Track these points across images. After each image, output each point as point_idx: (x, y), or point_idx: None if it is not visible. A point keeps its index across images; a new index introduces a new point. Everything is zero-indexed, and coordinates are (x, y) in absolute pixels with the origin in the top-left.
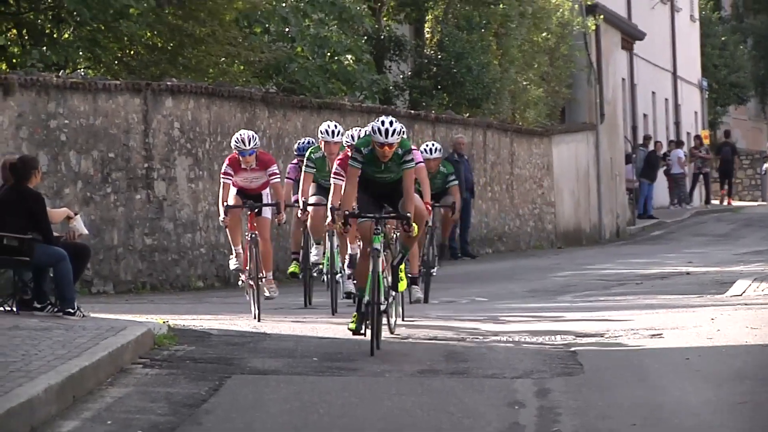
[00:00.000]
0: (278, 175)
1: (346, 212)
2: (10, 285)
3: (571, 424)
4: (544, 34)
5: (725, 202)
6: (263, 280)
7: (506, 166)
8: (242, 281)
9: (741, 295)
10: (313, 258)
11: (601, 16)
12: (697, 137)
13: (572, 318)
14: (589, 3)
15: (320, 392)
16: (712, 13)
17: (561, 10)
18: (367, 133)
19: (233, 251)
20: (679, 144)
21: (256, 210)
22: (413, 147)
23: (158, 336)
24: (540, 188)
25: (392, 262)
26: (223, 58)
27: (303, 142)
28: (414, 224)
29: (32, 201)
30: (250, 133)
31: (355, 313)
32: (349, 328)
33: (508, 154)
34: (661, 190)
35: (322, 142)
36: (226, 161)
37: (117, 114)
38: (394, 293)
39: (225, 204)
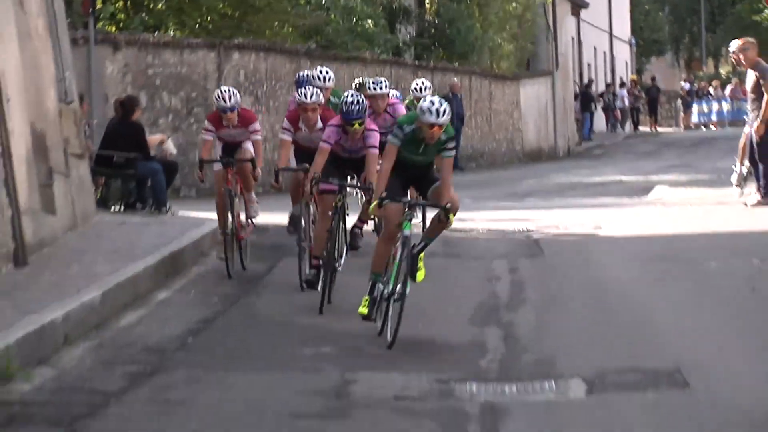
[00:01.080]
0: (259, 132)
1: (315, 175)
2: (118, 192)
3: (536, 293)
4: (513, 5)
5: (652, 129)
6: (246, 235)
7: (486, 102)
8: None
9: (660, 197)
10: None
11: None
12: (634, 81)
13: (535, 215)
14: None
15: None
16: None
17: None
18: (415, 111)
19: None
20: (622, 85)
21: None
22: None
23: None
24: (511, 119)
25: (413, 250)
26: (276, 23)
27: (302, 75)
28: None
29: (135, 129)
30: (232, 89)
31: (367, 297)
32: (360, 312)
33: (487, 94)
34: (598, 120)
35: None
36: (207, 118)
37: (197, 64)
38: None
39: (201, 159)
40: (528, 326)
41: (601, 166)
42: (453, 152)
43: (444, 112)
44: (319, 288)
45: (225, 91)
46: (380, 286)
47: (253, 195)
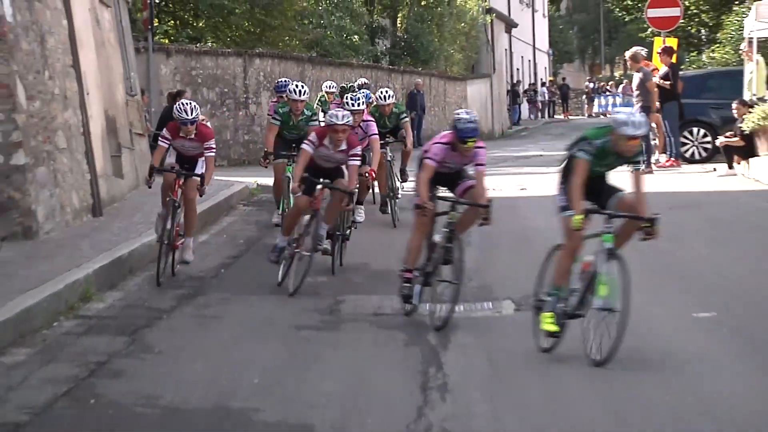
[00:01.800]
0: (214, 150)
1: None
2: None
3: (477, 237)
4: (462, 24)
5: (565, 117)
6: (182, 243)
7: (442, 97)
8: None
9: None
10: (275, 219)
11: (494, 15)
12: (551, 81)
13: None
14: (487, 7)
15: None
16: (555, 12)
17: (471, 11)
18: (607, 126)
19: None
20: (543, 84)
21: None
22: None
23: (252, 189)
24: (460, 108)
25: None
26: (287, 37)
27: (281, 81)
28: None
29: None
30: (193, 104)
31: (550, 313)
32: (547, 329)
33: (442, 91)
34: (524, 110)
35: (290, 100)
36: (166, 127)
37: (228, 68)
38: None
39: (153, 166)
40: (472, 262)
41: (526, 144)
42: (642, 165)
43: (641, 124)
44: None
45: (187, 104)
46: (560, 300)
47: (191, 241)
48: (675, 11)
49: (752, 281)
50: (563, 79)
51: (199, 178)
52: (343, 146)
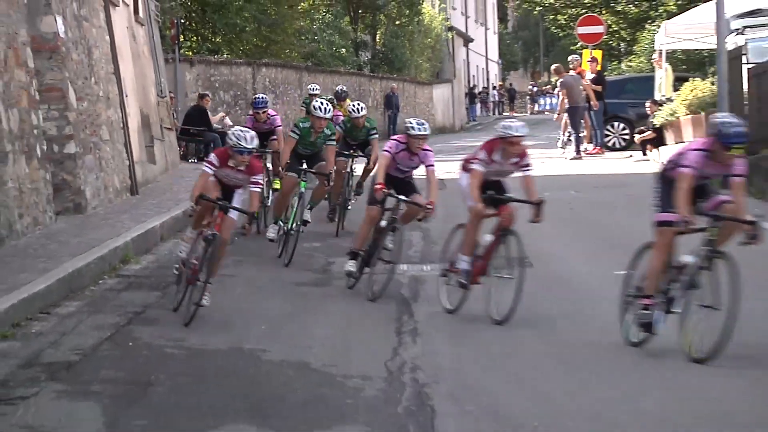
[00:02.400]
0: (261, 185)
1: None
2: (194, 150)
3: (440, 211)
4: (429, 40)
5: (511, 114)
6: (207, 284)
7: (412, 99)
8: (180, 270)
9: None
10: (271, 235)
11: (454, 32)
12: (500, 85)
13: (441, 165)
14: (448, 26)
15: None
16: (504, 29)
17: (436, 29)
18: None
19: (187, 233)
20: (494, 88)
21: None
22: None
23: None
24: (427, 108)
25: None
26: (287, 50)
27: (259, 98)
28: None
29: (202, 112)
30: (253, 133)
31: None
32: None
33: (413, 93)
34: (478, 109)
35: (314, 117)
36: (214, 153)
37: (240, 74)
38: None
39: (199, 193)
40: (436, 230)
41: (480, 136)
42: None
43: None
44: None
45: (245, 131)
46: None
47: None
48: (599, 28)
49: None
50: (510, 83)
51: (234, 217)
52: (243, 166)
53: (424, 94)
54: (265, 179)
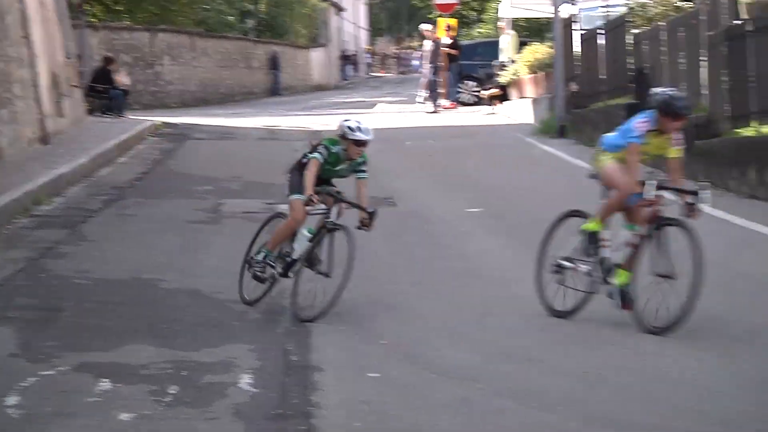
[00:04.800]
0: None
1: None
2: (99, 106)
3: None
4: (306, 9)
5: (381, 73)
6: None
7: (293, 61)
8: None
9: (381, 109)
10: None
11: (328, 2)
12: (369, 49)
13: (319, 119)
14: None
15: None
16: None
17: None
18: None
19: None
20: (364, 52)
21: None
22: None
23: (157, 125)
24: (306, 69)
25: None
26: (181, 17)
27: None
28: None
29: (107, 72)
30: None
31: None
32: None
33: (293, 56)
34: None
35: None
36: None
37: (140, 39)
38: None
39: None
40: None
41: (352, 94)
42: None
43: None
44: None
45: (361, 122)
46: None
47: None
48: None
49: (508, 186)
50: (378, 48)
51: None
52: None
53: (303, 57)
54: None
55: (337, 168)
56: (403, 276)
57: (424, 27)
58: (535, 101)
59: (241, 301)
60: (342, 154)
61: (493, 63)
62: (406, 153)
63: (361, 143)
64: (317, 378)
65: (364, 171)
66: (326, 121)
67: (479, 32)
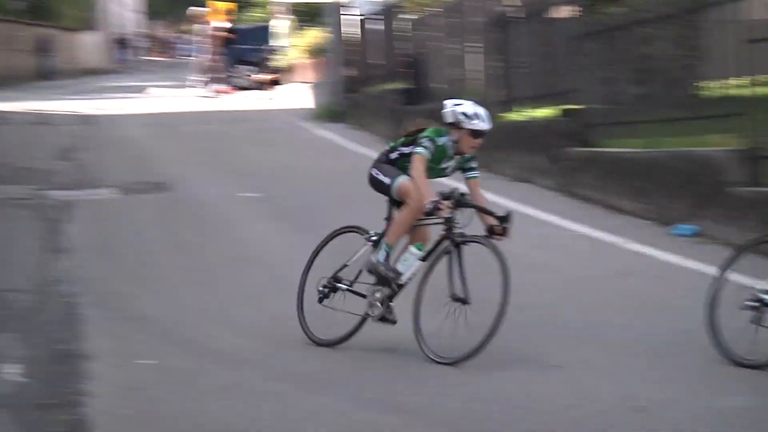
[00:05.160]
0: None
1: None
2: None
3: (92, 142)
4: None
5: (155, 56)
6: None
7: (68, 45)
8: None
9: (152, 93)
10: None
11: None
12: (147, 33)
13: (91, 103)
14: None
15: None
16: None
17: None
18: None
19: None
20: (139, 36)
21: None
22: None
23: None
24: (81, 52)
25: None
26: None
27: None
28: None
29: None
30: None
31: None
32: None
33: (68, 40)
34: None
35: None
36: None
37: None
38: None
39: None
40: (88, 160)
41: (124, 78)
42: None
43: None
44: None
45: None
46: None
47: None
48: None
49: (281, 170)
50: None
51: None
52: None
53: (75, 40)
54: None
55: (442, 165)
56: (176, 262)
57: (194, 11)
58: (313, 86)
59: (315, 343)
60: (451, 148)
61: (264, 47)
62: (180, 138)
63: (479, 134)
64: (88, 366)
65: (474, 169)
66: (98, 105)
67: (251, 16)
